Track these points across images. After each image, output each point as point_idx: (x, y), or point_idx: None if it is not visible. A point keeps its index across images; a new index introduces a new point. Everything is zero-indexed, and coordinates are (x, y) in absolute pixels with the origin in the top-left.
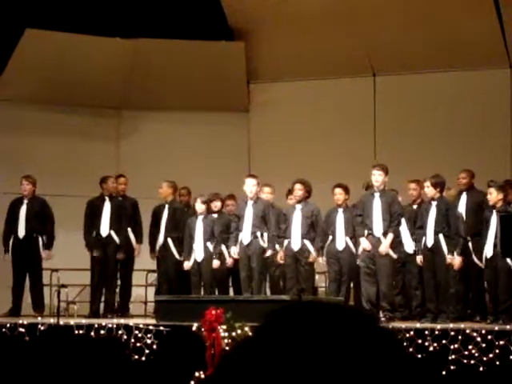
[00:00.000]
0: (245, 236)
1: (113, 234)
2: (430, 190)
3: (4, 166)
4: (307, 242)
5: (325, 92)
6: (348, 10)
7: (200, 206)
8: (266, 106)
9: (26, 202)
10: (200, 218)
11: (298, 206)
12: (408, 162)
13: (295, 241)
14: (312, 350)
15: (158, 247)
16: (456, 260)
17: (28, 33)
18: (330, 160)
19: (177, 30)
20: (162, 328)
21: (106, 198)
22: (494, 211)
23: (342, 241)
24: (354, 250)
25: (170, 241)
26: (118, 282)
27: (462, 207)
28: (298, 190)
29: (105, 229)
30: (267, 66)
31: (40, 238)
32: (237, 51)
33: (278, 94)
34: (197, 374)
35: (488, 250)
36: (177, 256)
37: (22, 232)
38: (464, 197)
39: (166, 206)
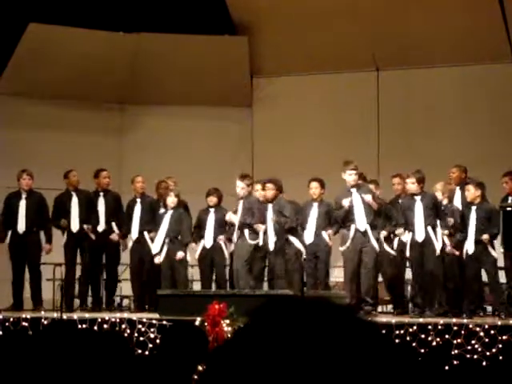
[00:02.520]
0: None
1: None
2: (414, 186)
3: (6, 161)
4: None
5: (328, 86)
6: (351, 4)
7: (172, 200)
8: (269, 101)
9: (24, 196)
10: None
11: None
12: (411, 157)
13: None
14: (292, 345)
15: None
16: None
17: (31, 27)
18: (333, 154)
19: (180, 25)
20: (165, 322)
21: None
22: (473, 207)
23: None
24: (329, 242)
25: (145, 234)
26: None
27: (457, 202)
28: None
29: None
30: (270, 60)
31: (41, 233)
32: (240, 46)
33: (281, 88)
34: (200, 368)
35: (469, 247)
36: (152, 249)
37: (21, 227)
38: (458, 192)
39: (138, 200)
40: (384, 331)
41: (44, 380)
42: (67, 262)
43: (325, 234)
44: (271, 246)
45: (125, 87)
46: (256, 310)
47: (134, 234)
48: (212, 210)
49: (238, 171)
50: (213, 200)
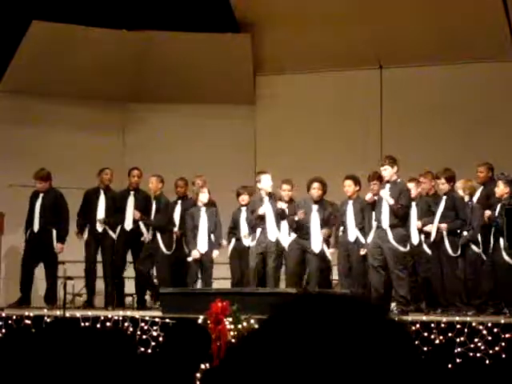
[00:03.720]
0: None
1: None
2: (443, 185)
3: (11, 158)
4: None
5: (331, 84)
6: (354, 2)
7: (205, 196)
8: (272, 99)
9: (41, 195)
10: (203, 210)
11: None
12: (414, 155)
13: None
14: (318, 342)
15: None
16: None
17: (35, 24)
18: (337, 152)
19: (183, 22)
20: (168, 320)
21: (101, 191)
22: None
23: (353, 232)
24: (363, 241)
25: (141, 224)
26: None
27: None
28: (318, 189)
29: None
30: (273, 58)
31: (54, 231)
32: (243, 43)
33: (284, 86)
34: (202, 366)
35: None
36: (164, 249)
37: (36, 225)
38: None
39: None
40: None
41: (47, 378)
42: (87, 260)
43: (358, 233)
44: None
45: (128, 85)
46: (280, 305)
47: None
48: (244, 209)
49: (240, 169)
50: (244, 199)
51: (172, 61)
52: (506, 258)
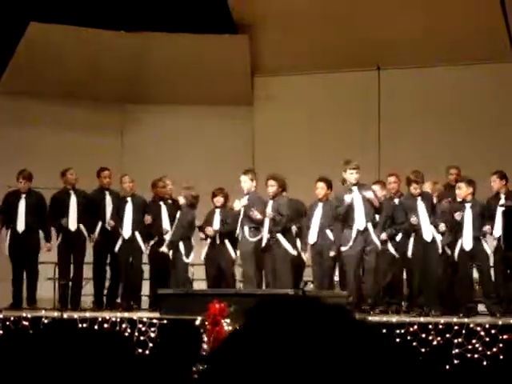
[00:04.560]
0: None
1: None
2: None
3: (8, 160)
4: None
5: (329, 86)
6: (352, 3)
7: (181, 200)
8: (270, 100)
9: (24, 196)
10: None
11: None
12: (412, 156)
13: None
14: (285, 345)
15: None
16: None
17: (32, 26)
18: (334, 153)
19: (181, 24)
20: (165, 322)
21: (71, 192)
22: (467, 205)
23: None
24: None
25: (137, 234)
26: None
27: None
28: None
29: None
30: (271, 59)
31: (39, 232)
32: (241, 45)
33: (281, 87)
34: (199, 366)
35: (466, 244)
36: (143, 248)
37: (21, 226)
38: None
39: (129, 199)
40: (384, 331)
41: (45, 379)
42: (61, 262)
43: (329, 233)
44: (263, 243)
45: (126, 86)
46: (251, 310)
47: (126, 233)
48: (218, 211)
49: (239, 170)
50: (219, 200)
51: (170, 62)
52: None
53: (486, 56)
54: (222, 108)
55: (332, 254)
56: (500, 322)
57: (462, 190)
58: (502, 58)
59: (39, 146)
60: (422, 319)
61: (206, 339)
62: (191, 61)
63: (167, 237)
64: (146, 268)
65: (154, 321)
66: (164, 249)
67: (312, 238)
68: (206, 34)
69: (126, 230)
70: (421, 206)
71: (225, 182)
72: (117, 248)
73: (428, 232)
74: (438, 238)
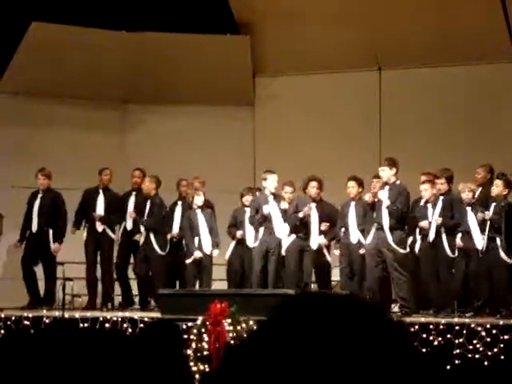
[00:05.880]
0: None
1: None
2: (442, 185)
3: (10, 159)
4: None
5: (330, 86)
6: (353, 3)
7: (200, 199)
8: (271, 100)
9: (40, 195)
10: (199, 212)
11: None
12: (414, 156)
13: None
14: (318, 344)
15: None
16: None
17: (34, 26)
18: (336, 154)
19: (182, 24)
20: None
21: (100, 191)
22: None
23: (355, 234)
24: (364, 242)
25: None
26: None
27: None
28: (317, 187)
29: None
30: (272, 59)
31: (50, 232)
32: (242, 45)
33: (283, 87)
34: (201, 367)
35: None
36: (158, 250)
37: (34, 226)
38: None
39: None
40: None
41: (45, 379)
42: (88, 260)
43: (360, 234)
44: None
45: (127, 86)
46: (280, 307)
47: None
48: (247, 210)
49: (240, 170)
50: (249, 200)
51: (171, 62)
52: (504, 256)
53: (487, 56)
54: (223, 108)
55: (361, 251)
56: (501, 323)
57: (498, 189)
58: (502, 57)
59: (40, 146)
60: (422, 319)
61: (207, 339)
62: (192, 61)
63: (205, 240)
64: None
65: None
66: (197, 254)
67: (354, 237)
68: (207, 34)
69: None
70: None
71: (226, 182)
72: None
73: (432, 233)
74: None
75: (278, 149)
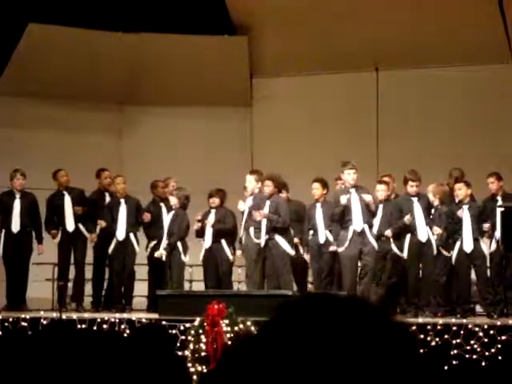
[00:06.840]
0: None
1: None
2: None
3: (5, 161)
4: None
5: (328, 87)
6: (350, 4)
7: (173, 201)
8: (268, 101)
9: (18, 196)
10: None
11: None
12: (410, 157)
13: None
14: (320, 345)
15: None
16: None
17: (31, 27)
18: (333, 154)
19: (179, 25)
20: (164, 322)
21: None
22: (465, 207)
23: (323, 234)
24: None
25: (131, 236)
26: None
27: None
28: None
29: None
30: (270, 60)
31: (33, 233)
32: (240, 46)
33: (280, 88)
34: (199, 368)
35: (467, 245)
36: (137, 249)
37: (16, 227)
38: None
39: (123, 201)
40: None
41: (42, 380)
42: (60, 262)
43: (329, 234)
44: (262, 243)
45: (124, 87)
46: (283, 306)
47: (120, 235)
48: (213, 212)
49: (237, 170)
50: (215, 201)
51: (169, 63)
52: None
53: (484, 57)
54: (220, 109)
55: (332, 248)
56: (498, 323)
57: (462, 191)
58: (500, 58)
59: (38, 147)
60: (420, 320)
61: (204, 340)
62: (190, 62)
63: (164, 239)
64: (142, 270)
65: (153, 322)
66: (161, 252)
67: (321, 238)
68: (205, 35)
69: (120, 232)
70: (417, 206)
71: (223, 183)
72: (110, 250)
73: (423, 232)
74: (433, 238)
75: (275, 149)
